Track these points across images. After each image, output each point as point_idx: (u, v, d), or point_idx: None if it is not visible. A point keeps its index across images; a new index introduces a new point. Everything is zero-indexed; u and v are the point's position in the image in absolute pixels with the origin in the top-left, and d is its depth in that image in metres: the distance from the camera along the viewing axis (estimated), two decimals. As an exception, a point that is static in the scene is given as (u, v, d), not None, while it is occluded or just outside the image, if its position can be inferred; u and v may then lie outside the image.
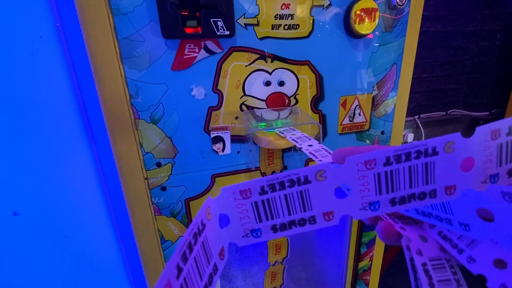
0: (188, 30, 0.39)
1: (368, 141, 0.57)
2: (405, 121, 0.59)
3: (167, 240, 0.50)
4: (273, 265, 0.64)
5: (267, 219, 0.20)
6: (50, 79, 0.39)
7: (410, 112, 1.38)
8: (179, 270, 0.15)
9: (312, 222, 0.20)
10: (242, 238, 0.21)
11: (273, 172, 0.53)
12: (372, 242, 0.69)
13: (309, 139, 0.36)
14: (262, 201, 0.20)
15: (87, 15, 0.36)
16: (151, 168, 0.45)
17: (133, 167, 0.44)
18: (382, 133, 0.58)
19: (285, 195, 0.19)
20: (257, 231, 0.20)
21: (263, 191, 0.19)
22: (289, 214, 0.20)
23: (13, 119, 0.39)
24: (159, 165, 0.45)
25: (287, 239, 0.63)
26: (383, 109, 0.55)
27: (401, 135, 0.60)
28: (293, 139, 0.37)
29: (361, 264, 0.70)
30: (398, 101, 0.56)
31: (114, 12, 0.36)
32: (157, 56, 0.40)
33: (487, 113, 1.46)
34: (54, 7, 0.36)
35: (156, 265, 0.50)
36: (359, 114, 0.54)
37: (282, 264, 0.65)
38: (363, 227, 0.66)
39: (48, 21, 0.36)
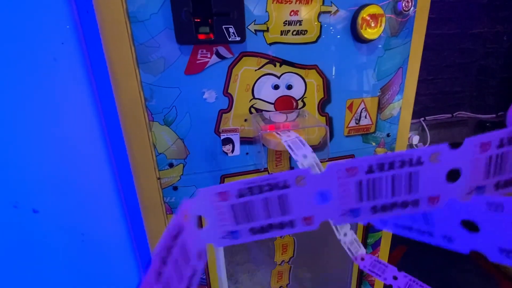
0: (201, 36, 0.40)
1: (373, 143, 0.58)
2: (411, 123, 0.60)
3: (178, 238, 0.52)
4: (280, 264, 0.65)
5: (245, 222, 0.20)
6: (70, 83, 0.41)
7: (416, 114, 1.38)
8: (159, 274, 0.15)
9: (290, 226, 0.20)
10: (220, 239, 0.20)
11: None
12: (377, 244, 0.70)
13: (304, 145, 0.36)
14: (240, 203, 0.19)
15: (105, 22, 0.38)
16: (163, 169, 0.47)
17: (146, 167, 0.45)
18: (388, 135, 0.58)
19: (264, 199, 0.19)
20: (235, 233, 0.20)
21: (241, 195, 0.19)
22: (268, 217, 0.20)
23: (33, 120, 0.41)
24: (171, 165, 0.47)
25: (294, 239, 0.64)
26: (389, 112, 0.56)
27: (406, 137, 0.61)
28: (288, 144, 0.37)
29: (366, 265, 0.70)
30: (403, 104, 0.57)
31: (132, 20, 0.38)
32: (171, 61, 0.41)
33: (494, 115, 1.45)
34: (76, 14, 0.38)
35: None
36: (365, 117, 0.55)
37: (289, 264, 0.66)
38: (368, 228, 0.67)
39: (69, 28, 0.38)
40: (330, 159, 0.53)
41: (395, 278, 0.36)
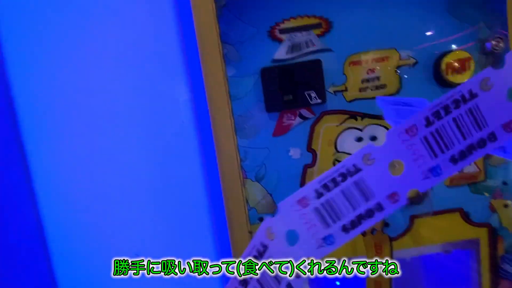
0: (286, 103, 0.47)
1: (487, 194, 0.49)
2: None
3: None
4: None
5: (334, 222, 0.19)
6: (184, 151, 0.51)
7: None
8: None
9: (379, 209, 0.19)
10: (317, 249, 0.20)
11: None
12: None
13: None
14: (322, 204, 0.19)
15: (213, 101, 0.48)
16: (254, 223, 0.50)
17: (240, 221, 0.49)
18: (504, 183, 0.49)
19: (342, 191, 0.19)
20: (329, 237, 0.19)
21: (319, 194, 0.19)
22: (354, 209, 0.19)
23: (156, 191, 0.52)
24: (261, 220, 0.50)
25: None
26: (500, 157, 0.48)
27: (533, 185, 0.49)
28: None
29: None
30: (519, 145, 0.48)
31: (232, 98, 0.48)
32: (262, 126, 0.48)
33: None
34: (192, 97, 0.50)
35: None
36: (469, 163, 0.48)
37: None
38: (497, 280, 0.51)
39: (187, 111, 0.50)
40: (436, 213, 0.47)
41: None
